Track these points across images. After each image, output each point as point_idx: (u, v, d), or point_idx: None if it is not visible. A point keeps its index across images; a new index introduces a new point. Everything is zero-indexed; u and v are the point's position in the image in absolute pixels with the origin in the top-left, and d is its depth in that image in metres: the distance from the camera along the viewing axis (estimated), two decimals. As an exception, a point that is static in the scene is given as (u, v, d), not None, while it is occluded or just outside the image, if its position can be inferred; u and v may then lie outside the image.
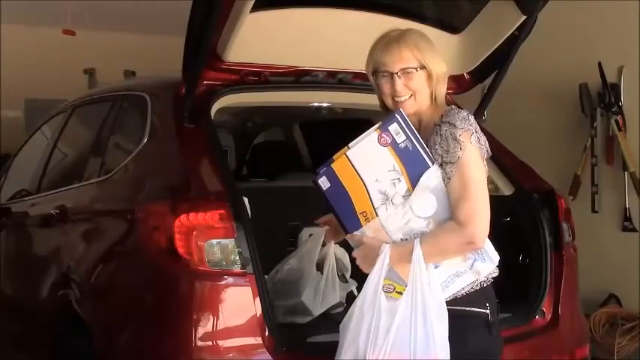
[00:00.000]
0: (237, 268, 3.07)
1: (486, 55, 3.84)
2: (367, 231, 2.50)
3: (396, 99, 2.57)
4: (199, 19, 3.13)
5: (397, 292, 2.44)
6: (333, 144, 5.28)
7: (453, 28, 3.81)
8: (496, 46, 3.77)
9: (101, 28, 8.50)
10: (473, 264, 2.47)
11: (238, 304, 3.07)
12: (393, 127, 2.45)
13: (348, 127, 4.81)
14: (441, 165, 2.45)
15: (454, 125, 2.46)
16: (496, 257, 2.51)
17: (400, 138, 2.45)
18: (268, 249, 3.28)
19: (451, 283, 2.47)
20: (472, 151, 2.44)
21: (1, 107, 8.22)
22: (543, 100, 6.16)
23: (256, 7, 3.22)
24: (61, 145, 4.66)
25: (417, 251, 2.41)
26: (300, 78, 3.72)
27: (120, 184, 3.66)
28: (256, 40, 3.42)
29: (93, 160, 4.10)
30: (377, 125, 2.49)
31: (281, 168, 4.47)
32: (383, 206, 2.46)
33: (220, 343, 3.04)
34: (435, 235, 2.44)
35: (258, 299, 3.05)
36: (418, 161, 2.45)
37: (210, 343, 3.03)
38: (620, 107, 5.75)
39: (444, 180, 2.44)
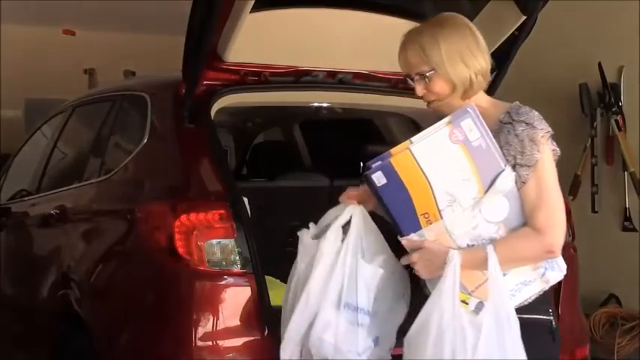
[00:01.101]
0: (237, 268, 3.07)
1: (486, 55, 3.83)
2: (427, 234, 2.27)
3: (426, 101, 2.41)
4: (199, 19, 3.13)
5: (460, 300, 2.24)
6: (333, 144, 5.29)
7: (453, 28, 3.80)
8: (496, 46, 3.77)
9: (101, 28, 8.51)
10: (544, 273, 2.31)
11: (238, 304, 3.07)
12: (467, 123, 2.24)
13: (348, 127, 4.85)
14: (513, 167, 2.27)
15: (532, 125, 2.29)
16: (564, 266, 2.35)
17: (473, 135, 2.23)
18: (268, 249, 3.28)
19: (518, 292, 2.30)
20: (548, 154, 2.32)
21: (1, 107, 8.22)
22: (543, 100, 6.14)
23: (256, 7, 3.22)
24: (61, 145, 4.66)
25: (494, 259, 2.21)
26: (300, 78, 3.72)
27: (120, 184, 3.66)
28: (256, 40, 3.42)
29: (93, 160, 4.10)
30: (447, 120, 2.26)
31: (281, 168, 4.47)
32: (449, 208, 2.24)
33: (220, 343, 3.04)
34: (510, 242, 2.26)
35: (258, 299, 3.06)
36: (491, 162, 2.25)
37: (210, 343, 3.03)
38: (620, 107, 5.74)
39: (516, 183, 2.27)
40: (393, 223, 2.31)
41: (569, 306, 3.70)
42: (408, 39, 2.38)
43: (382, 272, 2.43)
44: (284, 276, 3.68)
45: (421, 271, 2.31)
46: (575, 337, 3.78)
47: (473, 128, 2.23)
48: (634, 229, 5.67)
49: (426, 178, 2.23)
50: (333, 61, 3.75)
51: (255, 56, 3.57)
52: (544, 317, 2.39)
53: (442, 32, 2.36)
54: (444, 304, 2.22)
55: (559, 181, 2.38)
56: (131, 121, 3.97)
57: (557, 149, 2.37)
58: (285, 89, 3.76)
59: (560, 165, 2.45)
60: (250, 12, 3.22)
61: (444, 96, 2.36)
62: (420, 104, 4.02)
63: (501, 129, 2.31)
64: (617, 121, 5.73)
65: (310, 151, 5.29)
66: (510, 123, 2.31)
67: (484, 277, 2.25)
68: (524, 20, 3.59)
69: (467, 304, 2.25)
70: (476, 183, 2.24)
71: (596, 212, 5.82)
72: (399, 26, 3.60)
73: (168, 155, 3.53)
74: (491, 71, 3.86)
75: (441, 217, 2.25)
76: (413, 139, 2.26)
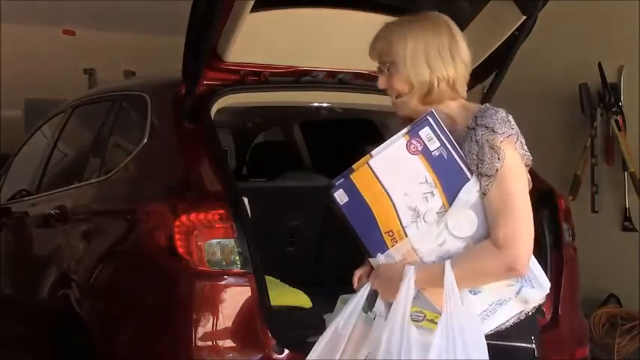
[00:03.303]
0: (237, 268, 3.07)
1: (486, 55, 3.84)
2: (395, 254, 2.13)
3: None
4: (199, 19, 3.13)
5: (428, 320, 2.10)
6: (333, 144, 5.29)
7: (452, 28, 3.80)
8: (496, 46, 3.77)
9: (101, 28, 8.51)
10: (519, 290, 2.11)
11: (238, 304, 3.07)
12: (425, 132, 2.09)
13: (348, 127, 4.85)
14: (477, 176, 2.10)
15: (492, 130, 2.08)
16: (547, 283, 2.15)
17: (433, 145, 2.09)
18: (268, 249, 3.28)
19: (493, 313, 2.12)
20: (513, 160, 2.08)
21: (1, 107, 8.22)
22: (543, 100, 6.16)
23: (256, 7, 3.22)
24: (61, 145, 4.66)
25: (450, 276, 2.05)
26: (300, 78, 3.72)
27: (120, 184, 3.66)
28: (256, 40, 3.42)
29: (93, 160, 4.10)
30: (405, 130, 2.13)
31: (281, 168, 4.47)
32: (413, 225, 2.10)
33: (220, 343, 3.04)
34: (470, 257, 2.08)
35: (258, 299, 3.05)
36: (455, 172, 2.09)
37: (210, 343, 3.03)
38: (620, 107, 5.75)
39: (481, 194, 2.10)
40: (360, 244, 2.17)
41: (569, 306, 3.70)
42: (383, 28, 2.27)
43: None
44: (284, 276, 3.70)
45: (384, 296, 2.17)
46: (575, 337, 3.78)
47: (432, 137, 2.09)
48: (634, 229, 5.67)
49: (387, 193, 2.11)
50: (333, 61, 3.75)
51: (255, 56, 3.57)
52: (525, 345, 2.17)
53: (415, 28, 2.21)
54: (394, 323, 2.08)
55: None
56: (131, 121, 3.97)
57: (528, 154, 2.15)
58: (285, 89, 3.76)
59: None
60: (250, 12, 3.22)
61: (403, 94, 2.20)
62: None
63: (467, 135, 2.13)
64: (617, 121, 5.73)
65: (310, 151, 5.29)
66: (473, 128, 2.12)
67: None
68: (524, 20, 3.59)
69: (436, 323, 2.08)
70: (439, 196, 2.09)
71: (596, 212, 5.83)
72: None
73: (168, 155, 3.53)
74: (491, 71, 3.92)
75: (406, 235, 2.11)
76: (373, 152, 2.15)
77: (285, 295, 3.56)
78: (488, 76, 3.98)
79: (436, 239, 2.11)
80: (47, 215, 4.06)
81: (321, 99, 4.10)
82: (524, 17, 3.58)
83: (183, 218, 3.07)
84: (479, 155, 2.08)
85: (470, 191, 2.09)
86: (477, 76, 3.95)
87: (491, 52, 3.81)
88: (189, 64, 3.31)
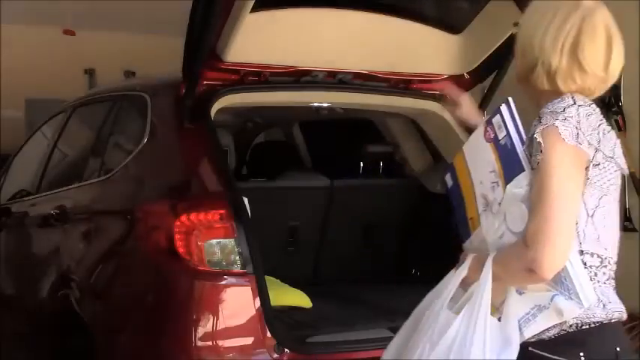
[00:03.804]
0: (237, 268, 3.07)
1: (486, 55, 3.84)
2: (474, 240, 2.09)
3: None
4: (199, 19, 3.13)
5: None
6: (333, 144, 5.28)
7: (452, 28, 3.81)
8: (496, 46, 3.77)
9: (101, 28, 8.50)
10: (552, 298, 1.96)
11: (238, 304, 3.07)
12: (496, 120, 2.04)
13: (348, 127, 4.85)
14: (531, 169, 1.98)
15: (540, 120, 1.96)
16: (587, 297, 1.97)
17: (501, 133, 2.02)
18: (268, 249, 3.28)
19: (533, 318, 1.98)
20: (555, 153, 1.91)
21: (1, 107, 8.22)
22: (543, 100, 6.16)
23: (256, 7, 3.22)
24: (61, 145, 4.66)
25: (487, 268, 1.98)
26: (300, 78, 3.72)
27: (120, 184, 3.66)
28: (256, 40, 3.42)
29: (93, 160, 4.10)
30: (487, 116, 2.11)
31: (281, 168, 4.47)
32: (484, 214, 2.04)
33: (220, 343, 3.04)
34: (506, 253, 1.97)
35: (258, 299, 3.05)
36: (514, 163, 1.99)
37: (210, 343, 3.03)
38: (620, 107, 5.74)
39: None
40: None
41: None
42: None
43: None
44: (284, 276, 3.71)
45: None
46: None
47: (501, 126, 2.02)
48: (634, 229, 5.66)
49: (471, 179, 2.08)
50: (333, 61, 3.75)
51: (255, 56, 3.57)
52: None
53: (563, 6, 2.06)
54: (437, 301, 2.07)
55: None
56: (131, 121, 3.97)
57: (583, 148, 1.96)
58: (285, 89, 3.76)
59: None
60: (250, 12, 3.22)
61: (518, 67, 2.09)
62: (420, 105, 4.05)
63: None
64: (617, 121, 5.72)
65: (310, 151, 5.29)
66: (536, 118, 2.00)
67: (505, 293, 2.02)
68: (524, 20, 3.58)
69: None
70: (502, 187, 2.00)
71: (596, 212, 5.82)
72: (399, 26, 3.63)
73: (168, 155, 3.53)
74: (491, 71, 3.91)
75: (480, 223, 2.05)
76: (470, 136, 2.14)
77: (285, 295, 3.56)
78: (488, 76, 3.98)
79: (497, 231, 2.01)
80: (47, 215, 4.06)
81: (321, 99, 4.10)
82: (524, 17, 3.57)
83: (183, 218, 3.07)
84: (531, 147, 1.97)
85: (519, 184, 1.96)
86: (476, 76, 4.00)
87: (491, 52, 3.82)
88: (189, 64, 3.31)
